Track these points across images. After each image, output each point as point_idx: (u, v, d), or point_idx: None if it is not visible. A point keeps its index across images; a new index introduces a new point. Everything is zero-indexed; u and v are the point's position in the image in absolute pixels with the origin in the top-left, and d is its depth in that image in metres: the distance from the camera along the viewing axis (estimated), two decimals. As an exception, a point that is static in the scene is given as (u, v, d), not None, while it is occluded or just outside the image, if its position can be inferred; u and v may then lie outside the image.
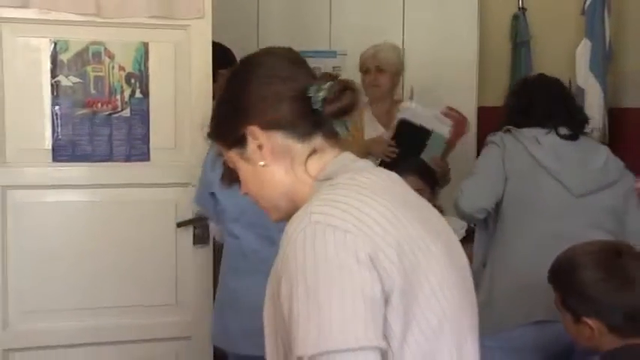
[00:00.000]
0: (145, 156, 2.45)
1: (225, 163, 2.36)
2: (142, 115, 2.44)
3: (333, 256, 0.94)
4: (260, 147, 1.09)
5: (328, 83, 1.07)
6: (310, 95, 1.07)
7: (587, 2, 3.53)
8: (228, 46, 3.01)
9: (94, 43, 2.40)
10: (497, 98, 3.98)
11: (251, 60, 1.14)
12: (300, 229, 0.98)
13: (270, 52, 1.15)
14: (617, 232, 2.12)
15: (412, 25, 3.88)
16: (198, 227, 2.52)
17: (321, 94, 1.06)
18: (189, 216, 2.51)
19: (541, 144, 2.16)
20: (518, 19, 3.95)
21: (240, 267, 2.23)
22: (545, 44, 3.97)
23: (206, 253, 2.55)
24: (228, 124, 1.12)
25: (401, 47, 3.81)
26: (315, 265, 0.94)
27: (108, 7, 2.34)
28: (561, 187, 2.11)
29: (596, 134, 3.53)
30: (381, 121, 3.11)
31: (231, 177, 2.50)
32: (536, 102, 2.23)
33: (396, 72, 3.11)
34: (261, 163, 1.10)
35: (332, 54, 3.92)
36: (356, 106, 1.09)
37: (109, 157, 2.43)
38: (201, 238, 2.54)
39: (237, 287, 2.23)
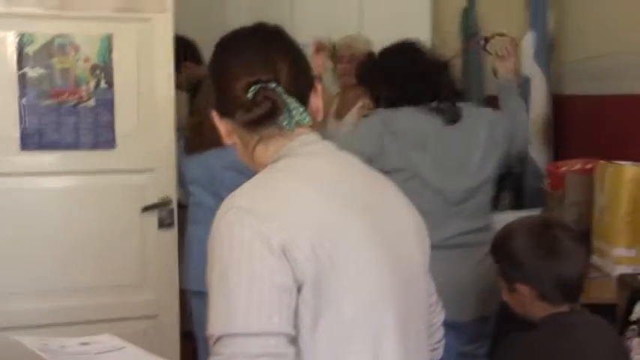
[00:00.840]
0: (110, 144, 2.58)
1: (185, 137, 2.56)
2: (107, 104, 2.57)
3: (247, 242, 0.98)
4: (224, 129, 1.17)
5: (254, 87, 1.09)
6: (249, 93, 1.09)
7: (531, -5, 3.74)
8: (194, 38, 3.14)
9: (59, 35, 2.52)
10: (449, 88, 4.17)
11: (221, 43, 1.18)
12: (224, 212, 1.03)
13: (240, 35, 1.17)
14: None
15: (368, 19, 4.04)
16: (163, 211, 2.65)
17: (249, 96, 1.09)
18: (154, 200, 2.65)
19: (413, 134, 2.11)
20: (468, 12, 4.15)
21: (193, 216, 2.58)
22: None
23: (171, 235, 2.68)
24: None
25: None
26: (230, 250, 0.99)
27: (73, 1, 2.47)
28: (435, 194, 2.11)
29: (541, 120, 3.75)
30: (349, 108, 3.29)
31: (189, 148, 2.72)
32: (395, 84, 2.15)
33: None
34: (230, 142, 1.18)
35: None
36: (268, 119, 1.10)
37: (76, 146, 2.55)
38: (165, 222, 2.67)
39: (191, 232, 2.57)
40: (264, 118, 1.10)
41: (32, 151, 2.54)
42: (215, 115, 1.17)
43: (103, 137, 2.57)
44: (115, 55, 2.56)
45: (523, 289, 1.63)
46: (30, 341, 1.14)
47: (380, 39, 4.00)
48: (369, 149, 2.06)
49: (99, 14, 2.52)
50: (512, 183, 3.81)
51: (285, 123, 1.11)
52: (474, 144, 2.17)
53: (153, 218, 2.66)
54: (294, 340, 1.00)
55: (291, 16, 4.06)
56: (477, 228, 2.19)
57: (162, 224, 2.67)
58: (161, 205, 2.65)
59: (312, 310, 1.00)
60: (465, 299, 2.11)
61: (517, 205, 3.78)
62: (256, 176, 1.10)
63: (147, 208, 2.65)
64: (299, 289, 0.99)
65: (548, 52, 3.76)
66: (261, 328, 0.96)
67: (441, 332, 1.29)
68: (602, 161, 2.58)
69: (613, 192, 2.42)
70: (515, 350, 1.56)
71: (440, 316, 1.28)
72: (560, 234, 1.63)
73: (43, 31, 2.51)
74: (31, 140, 2.54)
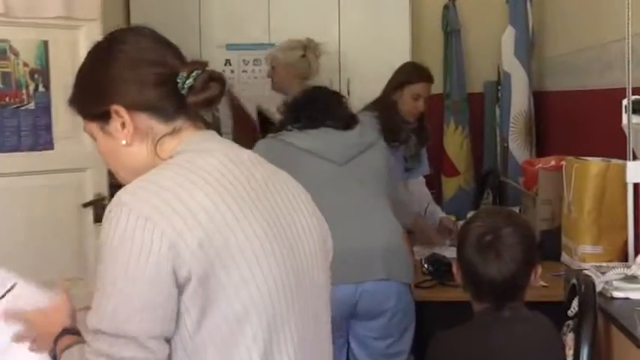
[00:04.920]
0: (49, 145, 2.73)
1: None
2: (45, 107, 2.71)
3: (128, 241, 1.01)
4: (123, 125, 1.13)
5: (196, 72, 1.12)
6: (178, 81, 1.11)
7: (511, -9, 3.82)
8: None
9: (0, 40, 2.63)
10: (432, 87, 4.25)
11: (117, 38, 1.17)
12: (111, 207, 1.05)
13: (138, 33, 1.18)
14: (387, 191, 2.35)
15: (347, 16, 4.12)
16: (99, 207, 2.79)
17: (189, 82, 1.11)
18: (90, 197, 2.83)
19: (300, 137, 2.33)
20: (449, 9, 4.23)
21: None
22: (474, 33, 4.25)
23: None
24: (90, 101, 1.16)
25: (337, 39, 4.09)
26: (111, 248, 1.02)
27: (16, 7, 2.60)
28: (324, 161, 2.27)
29: (522, 117, 3.83)
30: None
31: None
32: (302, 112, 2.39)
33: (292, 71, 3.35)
34: (124, 142, 1.14)
35: (271, 46, 4.14)
36: (219, 98, 1.13)
37: (17, 147, 2.67)
38: (101, 217, 2.77)
39: None
40: (216, 98, 1.13)
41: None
42: (118, 111, 1.12)
43: (42, 139, 2.71)
44: (52, 60, 2.70)
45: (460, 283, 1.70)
46: None
47: (359, 35, 4.12)
48: None
49: (36, 21, 2.67)
50: (493, 181, 3.90)
51: (204, 114, 1.17)
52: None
53: (90, 214, 2.83)
54: (174, 341, 1.03)
55: (268, 18, 4.14)
56: None
57: (99, 219, 2.79)
58: (97, 201, 2.81)
59: (198, 308, 1.02)
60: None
61: (499, 203, 3.86)
62: (148, 172, 1.10)
63: (87, 205, 2.81)
64: (183, 287, 1.02)
65: (528, 47, 3.83)
66: (125, 331, 1.00)
67: None
68: (569, 157, 2.65)
69: (579, 188, 2.49)
70: (443, 347, 1.62)
71: None
72: (496, 235, 1.62)
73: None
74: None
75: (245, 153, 1.17)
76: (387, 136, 2.98)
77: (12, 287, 1.32)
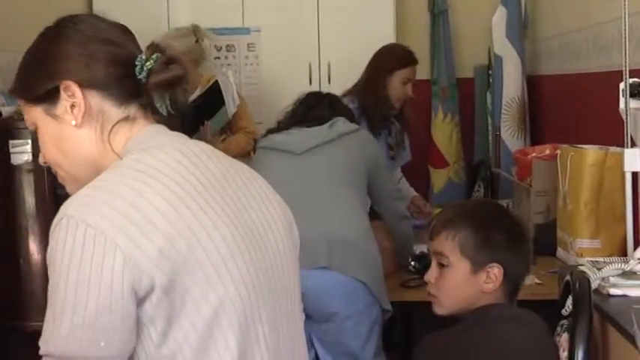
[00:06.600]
0: None
1: None
2: None
3: (77, 257, 0.98)
4: (73, 106, 1.11)
5: (155, 54, 1.12)
6: (136, 64, 1.11)
7: (501, -31, 3.78)
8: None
9: None
10: (417, 71, 4.22)
11: (72, 18, 1.16)
12: (59, 218, 1.01)
13: (94, 16, 1.18)
14: (358, 184, 2.34)
15: (327, -2, 4.07)
16: None
17: (148, 64, 1.11)
18: None
19: (269, 137, 2.44)
20: (436, -12, 4.19)
21: None
22: (462, 14, 4.20)
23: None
24: (36, 79, 1.13)
25: (316, 20, 4.03)
26: (61, 265, 0.99)
27: None
28: (283, 153, 2.33)
29: (515, 103, 3.80)
30: None
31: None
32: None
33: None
34: (73, 122, 1.11)
35: (246, 31, 4.09)
36: (180, 80, 1.13)
37: None
38: None
39: None
40: (177, 80, 1.13)
41: None
42: (69, 87, 1.10)
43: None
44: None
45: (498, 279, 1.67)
46: None
47: (339, 16, 4.05)
48: None
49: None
50: (485, 172, 3.87)
51: (158, 105, 1.13)
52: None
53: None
54: (137, 354, 1.02)
55: (242, 1, 4.08)
56: None
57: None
58: None
59: (163, 319, 1.00)
60: None
61: (491, 196, 3.84)
62: (97, 178, 1.07)
63: None
64: (145, 299, 1.00)
65: (521, 29, 3.80)
66: (83, 352, 0.98)
67: None
68: (564, 145, 2.62)
69: (575, 178, 2.45)
70: (429, 351, 1.59)
71: None
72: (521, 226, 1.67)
73: None
74: None
75: (197, 146, 1.14)
76: (371, 125, 2.96)
77: None
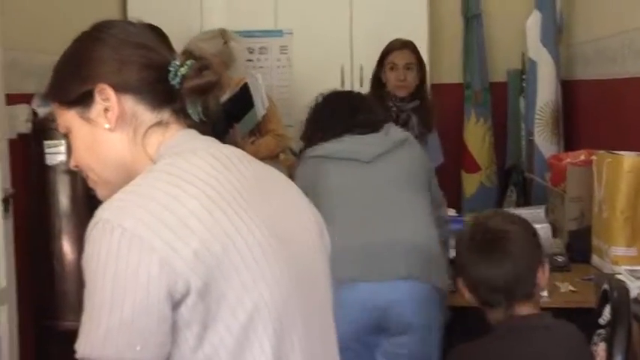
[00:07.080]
0: None
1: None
2: None
3: (113, 261, 0.99)
4: (107, 110, 1.12)
5: (190, 61, 1.13)
6: (170, 69, 1.12)
7: (537, -27, 3.76)
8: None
9: None
10: (450, 75, 4.21)
11: (106, 23, 1.18)
12: (94, 222, 1.02)
13: (128, 22, 1.20)
14: (423, 190, 2.34)
15: (360, 1, 4.08)
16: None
17: (182, 70, 1.12)
18: None
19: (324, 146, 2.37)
20: (470, -9, 4.18)
21: None
22: (496, 17, 4.19)
23: (5, 225, 2.70)
24: (71, 82, 1.14)
25: (349, 23, 4.04)
26: (96, 270, 1.00)
27: None
28: (346, 161, 2.30)
29: (549, 108, 3.78)
30: None
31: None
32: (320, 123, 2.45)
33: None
34: (107, 125, 1.12)
35: (278, 33, 4.12)
36: (215, 87, 1.14)
37: None
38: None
39: None
40: (211, 86, 1.13)
41: None
42: (104, 90, 1.11)
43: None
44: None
45: (467, 294, 1.68)
46: None
47: (372, 19, 4.06)
48: None
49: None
50: (517, 178, 3.85)
51: (190, 111, 1.14)
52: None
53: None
54: (173, 356, 1.02)
55: (275, 3, 4.11)
56: None
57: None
58: None
59: (199, 322, 1.01)
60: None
61: (524, 201, 3.82)
62: (131, 182, 1.08)
63: None
64: (181, 302, 1.00)
65: (556, 33, 3.77)
66: (118, 355, 0.99)
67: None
68: (601, 151, 2.61)
69: (611, 185, 2.44)
70: (466, 357, 1.59)
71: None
72: (492, 235, 1.64)
73: None
74: None
75: (229, 149, 1.15)
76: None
77: None
